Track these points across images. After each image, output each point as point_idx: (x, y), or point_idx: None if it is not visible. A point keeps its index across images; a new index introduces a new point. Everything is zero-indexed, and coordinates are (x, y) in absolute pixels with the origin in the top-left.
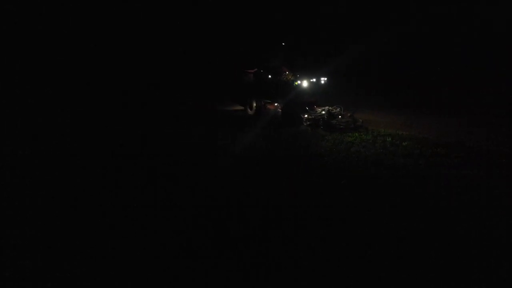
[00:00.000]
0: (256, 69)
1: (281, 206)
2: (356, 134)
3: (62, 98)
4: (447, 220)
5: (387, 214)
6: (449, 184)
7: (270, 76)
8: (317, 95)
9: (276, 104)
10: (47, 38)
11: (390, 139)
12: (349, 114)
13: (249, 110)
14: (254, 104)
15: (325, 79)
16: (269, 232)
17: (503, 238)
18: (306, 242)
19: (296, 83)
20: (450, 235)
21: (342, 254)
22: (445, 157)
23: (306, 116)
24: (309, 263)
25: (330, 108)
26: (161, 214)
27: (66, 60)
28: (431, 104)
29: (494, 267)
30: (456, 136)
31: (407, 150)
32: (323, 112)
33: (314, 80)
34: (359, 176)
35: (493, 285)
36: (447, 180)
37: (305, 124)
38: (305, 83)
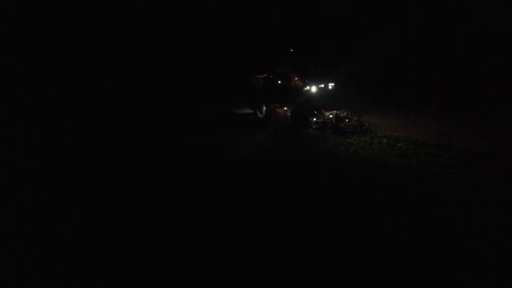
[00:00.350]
0: (266, 74)
1: (279, 207)
2: (355, 136)
3: (63, 98)
4: (434, 215)
5: (383, 213)
6: (437, 182)
7: (279, 82)
8: (324, 100)
9: (285, 108)
10: (48, 38)
11: (386, 140)
12: (355, 118)
13: (259, 114)
14: (264, 108)
15: (332, 84)
16: (268, 232)
17: (485, 233)
18: (305, 242)
19: (306, 89)
20: (435, 231)
21: (342, 254)
22: (436, 157)
23: (314, 119)
24: (309, 263)
25: (338, 112)
26: (160, 213)
27: (68, 60)
28: (432, 105)
29: (489, 263)
30: (456, 137)
31: (401, 150)
32: (331, 116)
33: (322, 86)
34: (357, 175)
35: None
36: (436, 178)
37: (313, 127)
38: (314, 89)
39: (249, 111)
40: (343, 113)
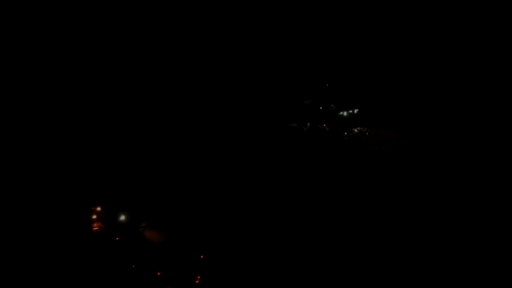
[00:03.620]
0: (310, 100)
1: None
2: (371, 145)
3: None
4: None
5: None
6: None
7: (320, 106)
8: (352, 120)
9: (324, 125)
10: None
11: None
12: (373, 132)
13: (304, 128)
14: (308, 124)
15: (357, 109)
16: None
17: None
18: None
19: (340, 113)
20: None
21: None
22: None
23: (345, 133)
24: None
25: (361, 128)
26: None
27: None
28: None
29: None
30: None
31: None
32: (356, 131)
33: (351, 111)
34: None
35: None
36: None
37: (345, 139)
38: (345, 113)
39: (295, 125)
40: (364, 128)
